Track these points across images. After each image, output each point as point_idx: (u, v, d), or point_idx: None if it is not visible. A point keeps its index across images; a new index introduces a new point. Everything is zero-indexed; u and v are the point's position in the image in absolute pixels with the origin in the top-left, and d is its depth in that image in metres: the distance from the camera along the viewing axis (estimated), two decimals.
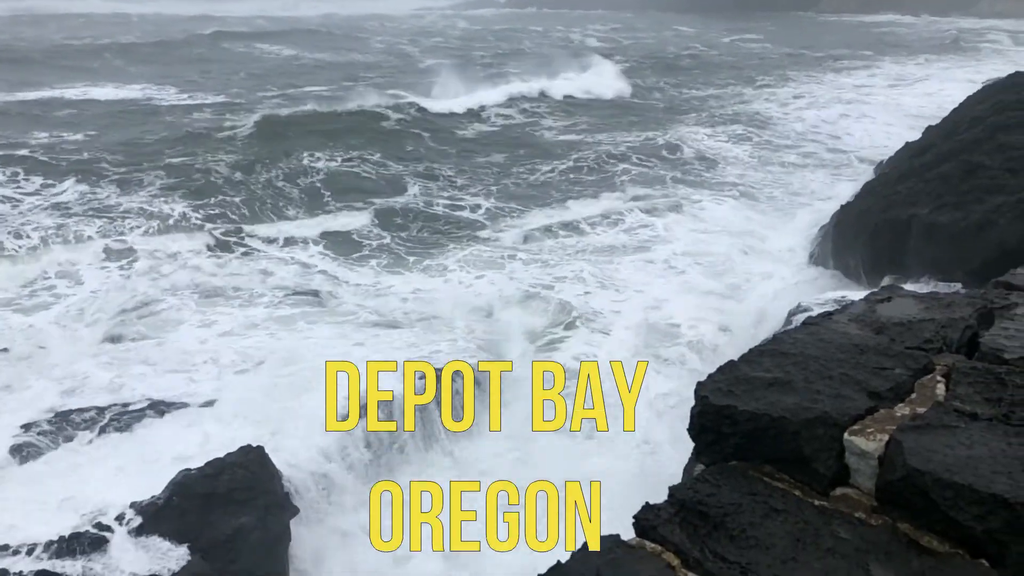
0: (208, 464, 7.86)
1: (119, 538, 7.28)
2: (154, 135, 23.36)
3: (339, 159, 21.53)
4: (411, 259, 15.58)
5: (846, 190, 17.25)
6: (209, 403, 9.92)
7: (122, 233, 15.93)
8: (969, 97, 17.71)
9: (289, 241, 16.33)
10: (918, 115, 27.02)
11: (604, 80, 33.37)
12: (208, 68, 38.98)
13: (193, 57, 42.37)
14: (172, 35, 50.17)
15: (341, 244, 16.24)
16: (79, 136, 23.24)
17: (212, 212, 17.35)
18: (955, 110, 17.03)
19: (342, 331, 12.07)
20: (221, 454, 7.98)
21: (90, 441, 9.13)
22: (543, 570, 1.95)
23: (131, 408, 9.78)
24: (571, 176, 21.34)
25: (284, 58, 44.44)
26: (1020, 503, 1.73)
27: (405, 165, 21.69)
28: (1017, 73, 17.34)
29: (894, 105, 30.64)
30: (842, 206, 14.58)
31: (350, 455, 8.98)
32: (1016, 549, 1.75)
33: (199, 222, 16.82)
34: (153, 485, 7.80)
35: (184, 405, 9.90)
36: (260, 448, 8.08)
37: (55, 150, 21.11)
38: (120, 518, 7.45)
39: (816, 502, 1.93)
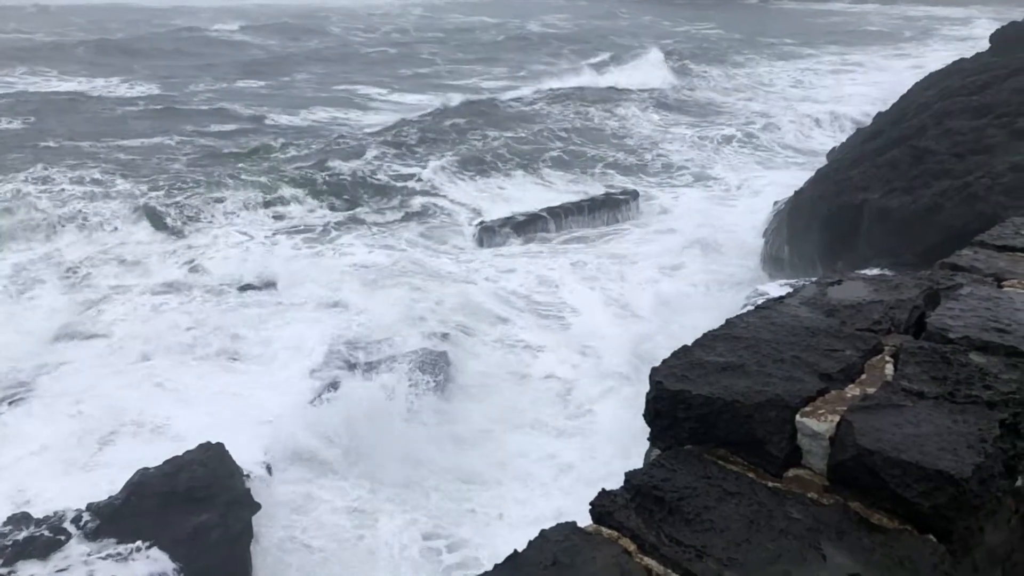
0: (166, 462, 7.73)
1: (76, 541, 7.14)
2: (102, 125, 22.86)
3: (300, 150, 21.30)
4: (336, 234, 15.94)
5: (799, 176, 17.46)
6: (157, 396, 9.79)
7: (63, 225, 15.54)
8: (916, 83, 18.02)
9: (232, 223, 16.30)
10: (868, 100, 27.42)
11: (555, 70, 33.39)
12: (165, 61, 38.14)
13: (151, 50, 41.38)
14: (132, 29, 48.98)
15: (291, 230, 16.25)
16: (17, 124, 22.71)
17: (152, 199, 16.88)
18: (903, 96, 17.31)
19: (284, 318, 12.01)
20: (179, 451, 7.87)
21: (36, 440, 8.90)
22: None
23: (79, 403, 9.57)
24: (515, 158, 21.21)
25: (249, 47, 43.67)
26: (964, 479, 1.77)
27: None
28: (961, 59, 17.70)
29: (844, 91, 31.08)
30: (796, 192, 14.75)
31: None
32: (961, 524, 1.80)
33: (136, 207, 16.45)
34: (109, 484, 7.67)
35: (133, 398, 9.72)
36: (220, 445, 7.96)
37: None
38: (76, 520, 7.30)
39: (769, 484, 1.96)
